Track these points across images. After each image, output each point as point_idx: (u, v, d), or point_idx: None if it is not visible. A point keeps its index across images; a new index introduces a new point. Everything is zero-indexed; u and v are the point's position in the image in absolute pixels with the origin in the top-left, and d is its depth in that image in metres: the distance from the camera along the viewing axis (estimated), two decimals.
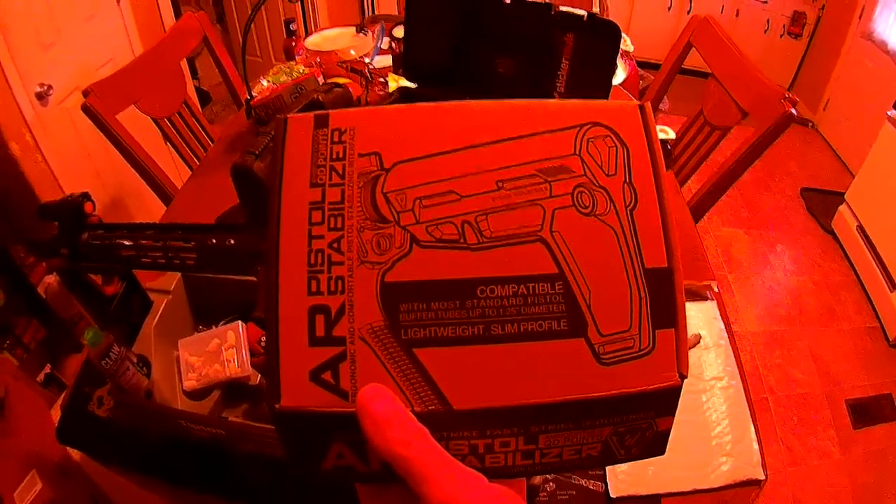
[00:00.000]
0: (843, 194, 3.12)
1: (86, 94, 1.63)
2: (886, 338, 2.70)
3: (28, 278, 1.85)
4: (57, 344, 2.04)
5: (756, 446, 1.09)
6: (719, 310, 1.30)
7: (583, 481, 1.05)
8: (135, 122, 1.80)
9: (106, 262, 0.78)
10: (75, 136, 1.83)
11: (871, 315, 2.81)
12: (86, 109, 1.63)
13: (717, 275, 1.39)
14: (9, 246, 1.81)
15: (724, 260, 3.00)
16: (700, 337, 1.24)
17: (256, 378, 1.05)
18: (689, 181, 1.88)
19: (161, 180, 1.81)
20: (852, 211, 3.03)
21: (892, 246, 2.73)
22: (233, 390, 1.06)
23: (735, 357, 1.23)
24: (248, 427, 0.92)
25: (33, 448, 1.19)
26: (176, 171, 1.88)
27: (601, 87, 1.37)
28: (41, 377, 1.88)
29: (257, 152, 1.12)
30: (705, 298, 1.32)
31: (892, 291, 2.67)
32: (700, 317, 1.28)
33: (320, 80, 1.70)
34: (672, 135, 1.27)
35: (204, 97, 3.61)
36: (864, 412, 2.45)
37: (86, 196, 0.84)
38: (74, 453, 0.96)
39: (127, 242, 0.76)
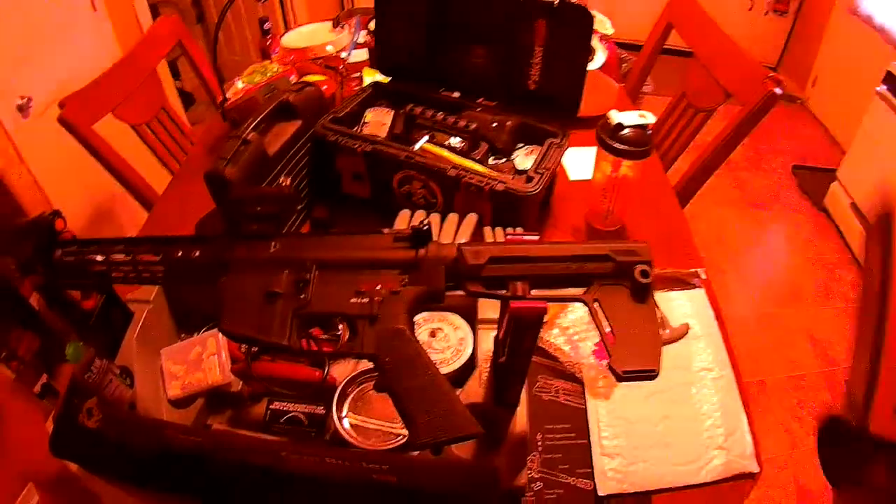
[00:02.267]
0: (834, 171, 3.09)
1: (61, 105, 1.62)
2: None
3: (19, 291, 1.83)
4: (52, 354, 2.00)
5: (749, 438, 1.04)
6: (708, 297, 1.25)
7: (570, 479, 1.00)
8: (118, 128, 1.79)
9: (79, 277, 0.79)
10: (60, 147, 1.81)
11: None
12: (63, 122, 1.62)
13: (709, 257, 1.34)
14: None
15: (715, 241, 2.95)
16: (688, 327, 1.18)
17: (238, 385, 1.03)
18: (675, 164, 1.84)
19: (141, 188, 1.79)
20: (844, 188, 3.00)
21: None
22: (216, 397, 1.03)
23: (726, 345, 1.18)
24: (232, 435, 0.92)
25: (29, 461, 1.17)
26: (161, 177, 1.86)
27: (575, 74, 1.33)
28: (38, 388, 1.87)
29: (228, 157, 1.11)
30: (693, 286, 1.26)
31: None
32: (688, 305, 1.23)
33: (293, 78, 1.67)
34: (651, 119, 1.21)
35: (187, 98, 3.57)
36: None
37: (56, 213, 0.86)
38: (71, 465, 0.95)
39: (98, 258, 0.77)
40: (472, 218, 1.19)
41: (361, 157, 1.29)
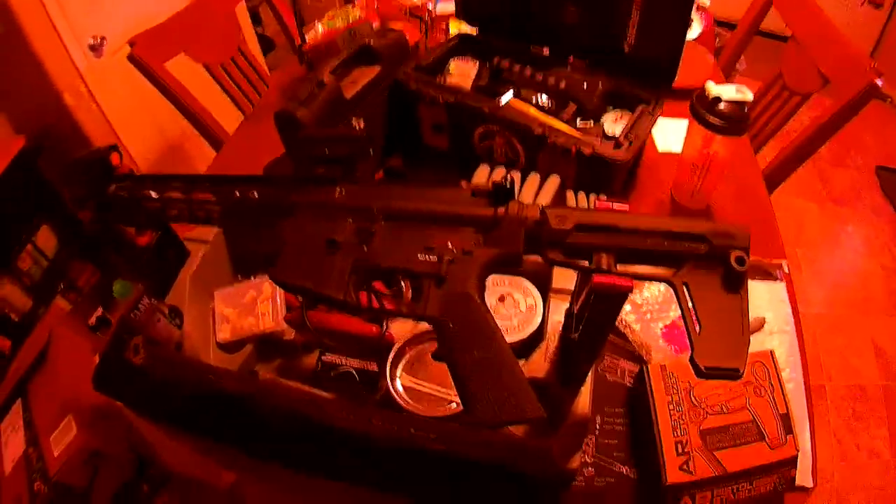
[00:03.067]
0: None
1: (131, 43, 1.62)
2: None
3: (82, 223, 1.84)
4: (109, 288, 2.00)
5: (809, 450, 0.98)
6: (788, 292, 1.17)
7: (624, 469, 0.96)
8: (193, 69, 1.78)
9: (133, 213, 0.77)
10: (132, 86, 1.83)
11: None
12: (132, 59, 1.62)
13: (787, 250, 1.25)
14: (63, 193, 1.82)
15: (795, 234, 2.83)
16: (764, 321, 1.11)
17: (291, 333, 1.00)
18: (764, 148, 1.74)
19: (212, 128, 1.78)
20: None
21: None
22: (266, 345, 1.01)
23: (799, 346, 1.10)
24: (275, 384, 0.89)
25: (73, 394, 1.18)
26: (234, 118, 1.87)
27: (674, 39, 1.23)
28: (93, 320, 1.87)
29: (302, 98, 1.07)
30: (775, 278, 1.18)
31: None
32: (767, 298, 1.15)
33: (375, 25, 1.62)
34: (750, 96, 1.12)
35: (268, 44, 3.54)
36: None
37: (113, 147, 0.84)
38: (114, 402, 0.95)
39: (153, 195, 0.75)
40: (555, 179, 1.13)
41: (443, 108, 1.24)
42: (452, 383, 0.65)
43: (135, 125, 2.21)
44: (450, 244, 0.66)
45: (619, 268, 0.61)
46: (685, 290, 0.59)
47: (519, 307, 0.97)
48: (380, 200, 0.69)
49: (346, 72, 1.21)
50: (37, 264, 1.89)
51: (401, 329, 0.98)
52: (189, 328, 0.95)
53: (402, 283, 0.68)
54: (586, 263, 0.61)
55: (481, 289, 0.65)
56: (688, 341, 0.58)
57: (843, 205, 3.05)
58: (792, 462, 0.93)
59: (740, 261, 0.58)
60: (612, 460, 0.96)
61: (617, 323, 1.08)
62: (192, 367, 0.84)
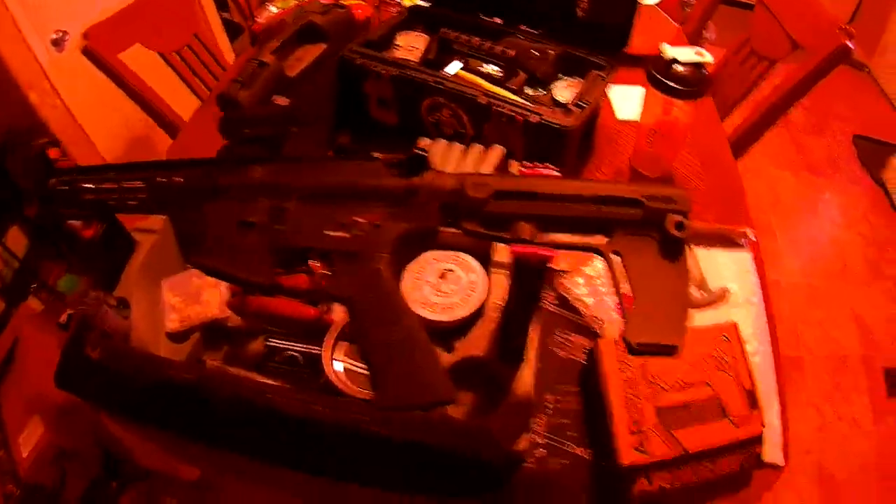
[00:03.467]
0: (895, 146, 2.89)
1: (86, 36, 1.58)
2: None
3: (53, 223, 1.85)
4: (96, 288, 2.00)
5: (778, 427, 0.94)
6: (755, 262, 1.12)
7: (579, 450, 0.91)
8: (151, 58, 1.76)
9: (75, 207, 0.75)
10: (94, 79, 1.78)
11: None
12: (87, 52, 1.59)
13: (761, 218, 1.21)
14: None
15: (769, 201, 2.77)
16: (727, 292, 1.06)
17: (237, 319, 0.98)
18: (730, 116, 1.67)
19: (169, 117, 1.75)
20: None
21: None
22: (213, 332, 0.99)
23: (768, 317, 1.05)
24: (215, 372, 0.88)
25: (39, 393, 1.15)
26: (193, 106, 1.85)
27: (625, 8, 1.20)
28: (64, 318, 1.88)
29: (243, 80, 1.04)
30: (740, 247, 1.13)
31: None
32: (731, 268, 1.10)
33: (327, 1, 1.57)
34: (708, 57, 1.07)
35: (236, 29, 3.46)
36: None
37: (51, 143, 0.86)
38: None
39: (90, 185, 0.73)
40: (497, 150, 1.07)
41: (388, 82, 1.19)
42: None
43: (100, 118, 2.17)
44: (360, 219, 0.60)
45: (543, 237, 0.55)
46: (617, 259, 0.53)
47: (461, 283, 0.92)
48: (295, 177, 0.66)
49: (291, 50, 1.17)
50: (7, 265, 1.86)
51: (341, 310, 0.94)
52: (139, 319, 0.93)
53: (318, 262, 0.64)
54: (506, 234, 0.55)
55: (394, 265, 0.60)
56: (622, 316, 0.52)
57: (820, 174, 3.01)
58: (757, 440, 0.89)
59: (679, 226, 0.53)
60: (565, 441, 0.92)
61: (568, 296, 1.04)
62: (139, 359, 0.83)
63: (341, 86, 1.25)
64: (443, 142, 1.09)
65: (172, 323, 0.95)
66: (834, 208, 2.85)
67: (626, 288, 0.53)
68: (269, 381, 0.89)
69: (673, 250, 0.53)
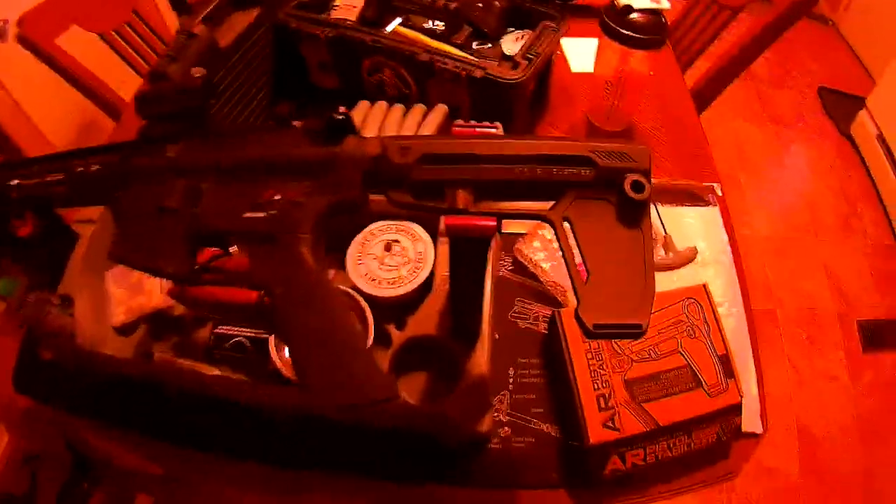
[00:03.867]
0: (863, 99, 2.82)
1: (19, 23, 1.48)
2: None
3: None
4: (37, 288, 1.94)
5: (756, 394, 0.88)
6: (723, 218, 1.05)
7: (544, 426, 0.85)
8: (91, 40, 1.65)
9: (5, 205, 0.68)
10: (40, 68, 1.67)
11: (888, 232, 2.54)
12: (21, 39, 1.50)
13: (727, 172, 1.14)
14: None
15: (735, 155, 2.71)
16: (696, 251, 0.99)
17: (181, 308, 0.92)
18: (691, 68, 1.60)
19: (110, 98, 1.66)
20: (873, 118, 2.73)
21: None
22: (160, 322, 0.93)
23: (739, 276, 0.99)
24: (152, 366, 0.84)
25: (2, 400, 1.10)
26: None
27: None
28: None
29: (173, 54, 0.96)
30: (707, 203, 1.06)
31: None
32: (699, 226, 1.03)
33: None
34: (666, 3, 1.00)
35: (182, 4, 3.33)
36: (876, 336, 2.23)
37: None
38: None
39: (15, 182, 0.66)
40: (440, 109, 0.98)
41: (325, 44, 1.10)
42: None
43: (49, 107, 2.08)
44: (278, 196, 0.52)
45: (482, 206, 0.47)
46: (567, 227, 0.46)
47: (407, 254, 0.85)
48: (210, 154, 0.58)
49: (223, 19, 1.07)
50: None
51: None
52: (84, 315, 0.87)
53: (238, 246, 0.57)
54: (437, 203, 0.48)
55: (318, 246, 0.52)
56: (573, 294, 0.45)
57: (786, 126, 2.95)
58: (735, 409, 0.83)
59: (637, 186, 0.45)
60: (529, 417, 0.86)
61: (526, 263, 0.97)
62: (85, 358, 0.80)
63: (278, 52, 1.16)
64: (382, 104, 1.00)
65: (118, 316, 0.90)
66: (801, 161, 2.80)
67: (579, 260, 0.45)
68: (217, 371, 0.83)
69: (632, 214, 0.46)
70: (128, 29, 1.72)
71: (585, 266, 0.45)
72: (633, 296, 0.44)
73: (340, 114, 0.50)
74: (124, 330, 0.91)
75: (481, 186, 0.47)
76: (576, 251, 0.45)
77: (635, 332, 0.44)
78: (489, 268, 0.75)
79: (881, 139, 2.67)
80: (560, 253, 0.46)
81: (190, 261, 0.57)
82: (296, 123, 0.54)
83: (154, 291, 0.91)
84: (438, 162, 0.47)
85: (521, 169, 0.46)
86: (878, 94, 2.76)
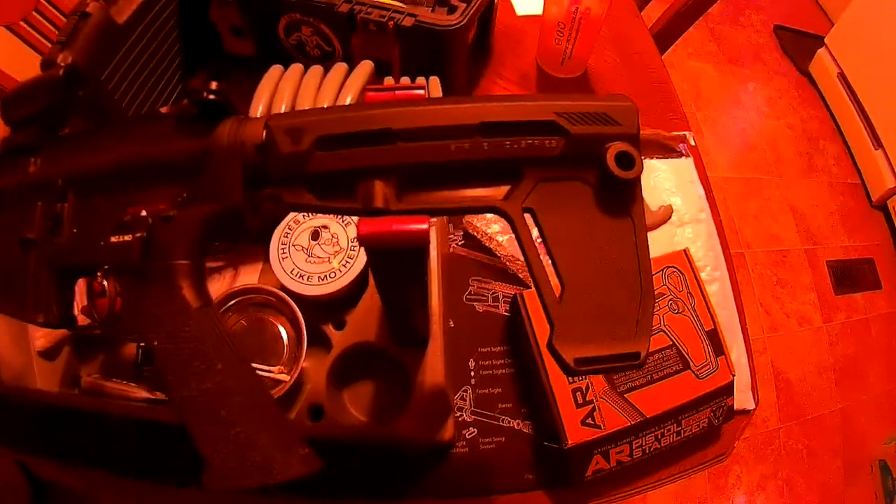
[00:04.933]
0: (821, 38, 2.74)
1: None
2: (869, 197, 2.40)
3: None
4: None
5: (747, 365, 0.78)
6: (697, 169, 0.93)
7: (514, 423, 0.74)
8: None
9: None
10: None
11: (853, 170, 2.48)
12: None
13: (685, 114, 1.01)
14: None
15: (692, 96, 2.61)
16: (671, 210, 0.87)
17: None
18: (651, 3, 1.46)
19: None
20: (833, 57, 2.65)
21: (878, 101, 2.38)
22: (86, 342, 0.82)
23: (719, 234, 0.88)
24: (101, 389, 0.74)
25: None
26: None
27: None
28: None
29: (65, 39, 0.79)
30: (679, 154, 0.94)
31: (876, 149, 2.35)
32: (672, 180, 0.91)
33: None
34: None
35: None
36: (846, 276, 2.19)
37: None
38: None
39: None
40: (364, 67, 0.80)
41: (234, 5, 0.94)
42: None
43: None
44: (144, 211, 0.38)
45: (406, 200, 0.32)
46: (530, 220, 0.32)
47: (338, 243, 0.70)
48: (67, 165, 0.43)
49: None
50: None
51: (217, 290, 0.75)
52: (4, 345, 0.78)
53: (105, 283, 0.41)
54: (348, 202, 0.32)
55: (198, 275, 0.37)
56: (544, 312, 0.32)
57: (742, 65, 2.84)
58: (727, 389, 0.73)
59: (624, 160, 0.32)
60: (497, 414, 0.74)
61: (479, 236, 0.83)
62: (8, 393, 0.72)
63: (185, 21, 0.99)
64: (296, 67, 0.81)
65: (39, 340, 0.78)
66: (760, 99, 2.70)
67: (548, 265, 0.32)
68: (145, 392, 0.72)
69: (618, 198, 0.32)
70: (36, 16, 1.52)
71: (558, 275, 0.31)
72: (626, 312, 0.31)
73: (212, 90, 0.36)
74: (48, 354, 0.79)
75: (407, 173, 0.32)
76: (543, 255, 0.32)
77: (632, 363, 0.31)
78: (432, 267, 0.64)
79: (842, 77, 2.59)
80: (523, 256, 0.32)
81: (61, 303, 0.44)
82: (163, 110, 0.39)
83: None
84: (343, 144, 0.32)
85: (460, 145, 0.32)
86: (838, 32, 2.67)
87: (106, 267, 0.40)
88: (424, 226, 0.34)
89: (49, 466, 0.76)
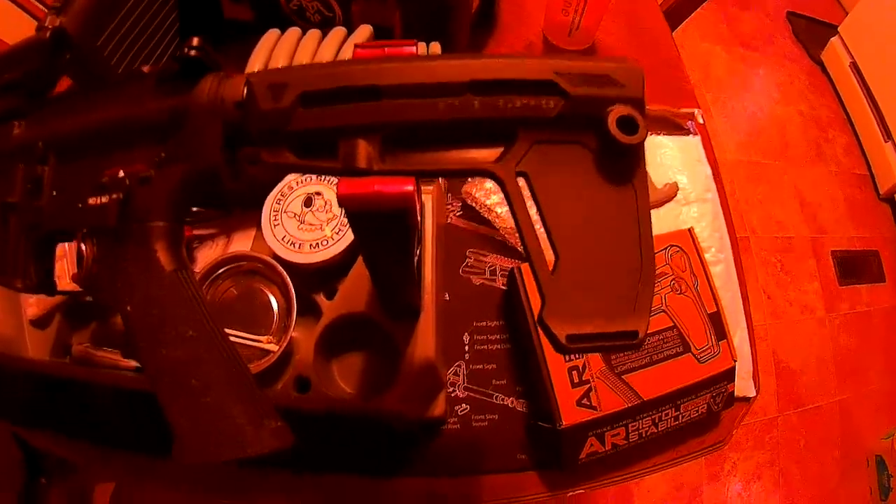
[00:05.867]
0: (834, 26, 2.68)
1: None
2: (876, 189, 2.37)
3: None
4: None
5: (749, 353, 0.76)
6: (704, 149, 0.90)
7: (508, 400, 0.72)
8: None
9: None
10: None
11: (861, 161, 2.44)
12: None
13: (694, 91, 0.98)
14: None
15: (701, 78, 2.56)
16: (677, 188, 0.85)
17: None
18: None
19: None
20: (846, 46, 2.60)
21: (889, 93, 2.34)
22: (77, 310, 0.81)
23: (725, 216, 0.86)
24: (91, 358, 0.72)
25: None
26: None
27: None
28: None
29: (59, 4, 0.76)
30: (687, 132, 0.91)
31: (886, 141, 2.32)
32: (679, 157, 0.88)
33: None
34: None
35: None
36: (851, 267, 2.17)
37: None
38: None
39: None
40: (363, 31, 0.77)
41: None
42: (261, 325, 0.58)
43: None
44: (122, 171, 0.36)
45: (391, 160, 0.30)
46: (524, 186, 0.30)
47: (331, 209, 0.68)
48: (50, 128, 0.41)
49: None
50: None
51: (206, 258, 0.74)
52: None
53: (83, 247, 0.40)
54: (329, 162, 0.30)
55: (174, 239, 0.35)
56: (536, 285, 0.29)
57: (754, 49, 2.78)
58: (728, 375, 0.71)
59: (627, 124, 0.29)
60: (491, 391, 0.73)
61: (476, 206, 0.81)
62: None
63: None
64: (293, 31, 0.78)
65: (31, 308, 0.77)
66: (770, 84, 2.65)
67: (541, 235, 0.30)
68: (133, 361, 0.70)
69: (620, 165, 0.30)
70: None
71: (552, 245, 0.29)
72: (624, 288, 0.29)
73: (194, 47, 0.33)
74: (40, 323, 0.78)
75: (393, 132, 0.30)
76: (537, 222, 0.30)
77: (629, 342, 0.28)
78: (427, 238, 0.62)
79: (854, 67, 2.54)
80: (515, 222, 0.30)
81: (39, 268, 0.43)
82: (144, 68, 0.37)
83: (62, 278, 0.76)
84: (326, 101, 0.30)
85: (449, 102, 0.29)
86: (852, 21, 2.62)
87: (84, 230, 0.39)
88: (409, 187, 0.32)
89: (41, 437, 0.75)
